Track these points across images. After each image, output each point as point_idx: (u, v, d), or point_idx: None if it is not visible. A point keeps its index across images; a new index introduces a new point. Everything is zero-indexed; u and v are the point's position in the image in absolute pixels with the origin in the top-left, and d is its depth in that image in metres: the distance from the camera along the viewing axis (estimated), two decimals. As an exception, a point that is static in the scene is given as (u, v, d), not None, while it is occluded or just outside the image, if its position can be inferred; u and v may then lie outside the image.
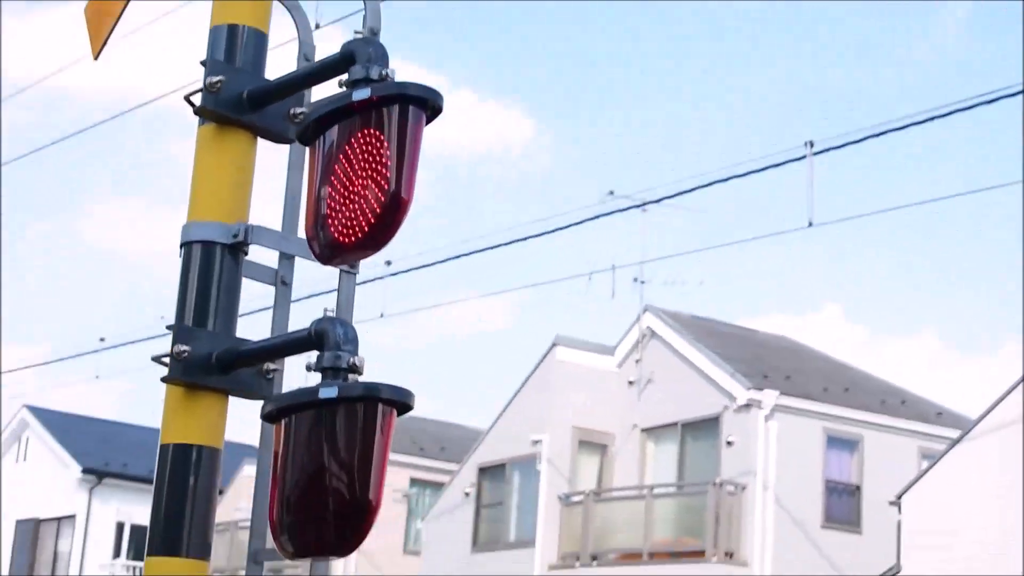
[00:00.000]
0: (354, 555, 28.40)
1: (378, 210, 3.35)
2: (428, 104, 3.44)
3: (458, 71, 57.82)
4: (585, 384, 24.91)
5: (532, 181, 55.98)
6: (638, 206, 20.37)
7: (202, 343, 3.68)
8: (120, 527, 32.93)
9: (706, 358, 23.32)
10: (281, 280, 4.02)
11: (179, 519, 3.66)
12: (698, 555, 22.09)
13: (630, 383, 24.77)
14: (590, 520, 23.69)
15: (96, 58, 4.35)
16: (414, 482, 29.65)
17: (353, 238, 3.41)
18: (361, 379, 3.39)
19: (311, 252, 3.55)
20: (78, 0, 3.88)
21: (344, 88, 3.52)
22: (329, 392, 3.27)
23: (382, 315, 18.49)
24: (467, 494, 26.44)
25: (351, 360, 3.36)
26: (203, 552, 3.70)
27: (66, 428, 34.95)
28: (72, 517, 33.30)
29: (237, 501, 30.55)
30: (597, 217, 18.39)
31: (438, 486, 28.78)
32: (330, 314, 3.51)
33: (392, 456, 26.35)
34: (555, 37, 54.11)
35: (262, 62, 3.96)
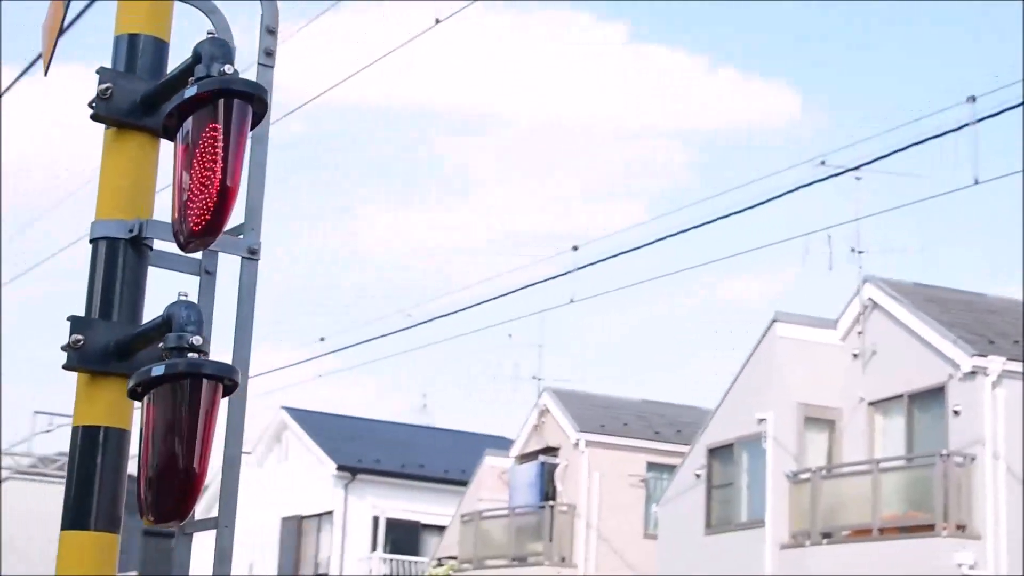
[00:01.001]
0: (594, 541, 28.70)
1: (211, 199, 3.58)
2: (253, 98, 3.66)
3: (721, 50, 57.61)
4: (808, 359, 24.57)
5: (795, 155, 55.29)
6: (839, 173, 19.98)
7: (100, 333, 3.98)
8: (375, 521, 34.08)
9: (929, 327, 22.70)
10: (205, 270, 4.29)
11: (87, 496, 3.97)
12: (928, 529, 21.54)
13: (854, 356, 24.30)
14: (819, 497, 23.36)
15: (46, 74, 4.70)
16: (651, 466, 29.74)
17: (201, 225, 3.64)
18: (212, 358, 3.64)
19: (175, 240, 3.80)
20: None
21: (190, 86, 3.77)
22: (158, 370, 3.52)
23: (571, 300, 18.71)
24: (698, 476, 26.40)
25: (190, 340, 3.60)
26: (111, 526, 3.99)
27: (321, 427, 36.38)
28: (330, 513, 34.64)
29: (480, 492, 31.24)
30: (797, 188, 18.13)
31: (675, 469, 28.80)
32: (183, 298, 3.76)
33: (627, 441, 26.47)
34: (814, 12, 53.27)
35: (161, 68, 4.23)
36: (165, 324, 3.69)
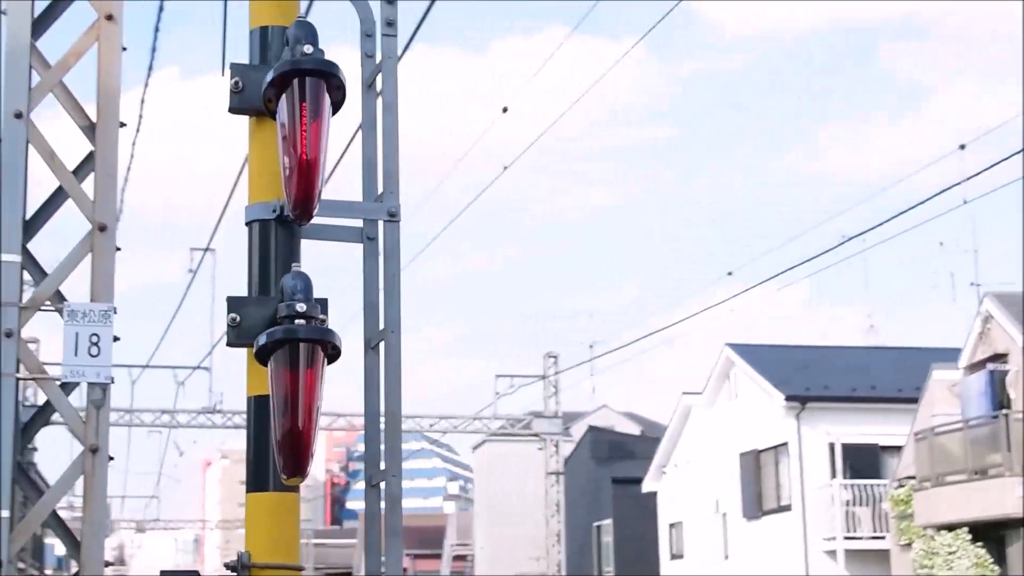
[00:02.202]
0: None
1: (297, 173, 3.80)
2: (325, 75, 3.84)
3: None
4: None
5: None
6: None
7: (253, 309, 4.27)
8: (831, 448, 33.63)
9: None
10: (366, 236, 4.54)
11: (264, 460, 4.28)
12: None
13: None
14: None
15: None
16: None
17: (297, 199, 3.87)
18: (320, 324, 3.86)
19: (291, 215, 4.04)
20: None
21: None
22: (262, 338, 3.77)
23: (964, 202, 17.83)
24: None
25: (296, 308, 3.83)
26: (289, 486, 4.28)
27: (766, 359, 36.23)
28: (785, 445, 34.49)
29: (931, 407, 30.33)
30: None
31: None
32: (296, 268, 3.98)
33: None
34: None
35: (290, 56, 4.47)
36: (281, 295, 3.94)
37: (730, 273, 22.85)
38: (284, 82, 3.85)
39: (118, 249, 7.00)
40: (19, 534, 6.56)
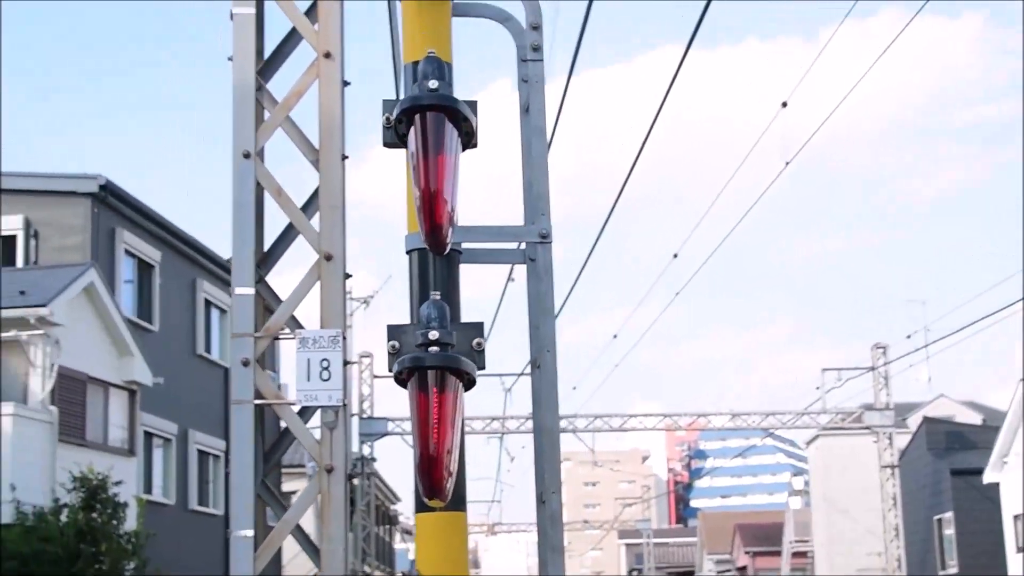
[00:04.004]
0: None
1: (423, 204, 3.91)
2: (447, 109, 3.92)
3: None
4: None
5: None
6: None
7: (411, 337, 4.40)
8: None
9: None
10: (528, 259, 4.63)
11: (430, 481, 4.39)
12: None
13: None
14: None
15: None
16: None
17: (426, 230, 3.98)
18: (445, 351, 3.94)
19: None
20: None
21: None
22: (396, 367, 3.88)
23: None
24: None
25: (430, 335, 3.92)
26: (456, 505, 4.40)
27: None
28: None
29: None
30: None
31: None
32: (434, 297, 4.08)
33: None
34: None
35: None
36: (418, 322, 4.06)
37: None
38: (409, 117, 3.97)
39: (348, 276, 7.21)
40: (264, 551, 6.86)
